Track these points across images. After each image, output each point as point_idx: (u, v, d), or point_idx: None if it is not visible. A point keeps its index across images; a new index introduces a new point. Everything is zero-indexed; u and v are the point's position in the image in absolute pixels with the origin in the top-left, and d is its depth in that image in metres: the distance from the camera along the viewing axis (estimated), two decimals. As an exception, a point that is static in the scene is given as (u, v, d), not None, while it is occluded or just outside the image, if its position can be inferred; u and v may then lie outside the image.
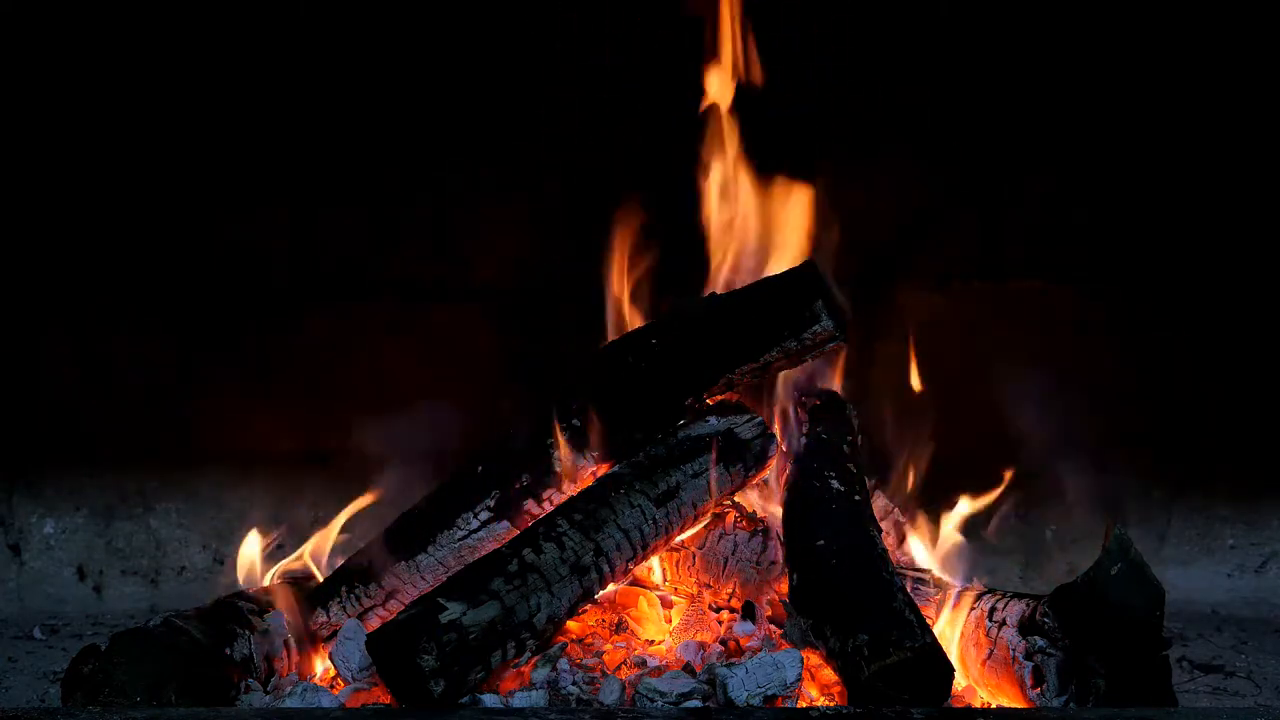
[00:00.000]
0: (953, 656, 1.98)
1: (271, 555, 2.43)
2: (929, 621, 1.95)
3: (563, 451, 2.24)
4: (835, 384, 2.55)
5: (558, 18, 2.97)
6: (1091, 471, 2.99)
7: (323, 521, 3.01)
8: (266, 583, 2.31)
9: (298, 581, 2.32)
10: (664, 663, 2.08)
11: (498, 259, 3.06)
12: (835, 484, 2.22)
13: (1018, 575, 3.10)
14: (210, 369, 3.06)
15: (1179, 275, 3.07)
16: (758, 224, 2.47)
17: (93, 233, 3.03)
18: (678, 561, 2.31)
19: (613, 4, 2.93)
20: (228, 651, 2.01)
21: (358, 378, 3.06)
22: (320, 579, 2.32)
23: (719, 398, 2.30)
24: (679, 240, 2.49)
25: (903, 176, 3.04)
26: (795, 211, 2.44)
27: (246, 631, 2.06)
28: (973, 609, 2.08)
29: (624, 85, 2.96)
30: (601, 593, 2.11)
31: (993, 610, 2.04)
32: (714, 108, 2.54)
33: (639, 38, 2.95)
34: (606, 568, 2.05)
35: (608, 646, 2.12)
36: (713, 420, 2.25)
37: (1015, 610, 1.99)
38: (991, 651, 2.00)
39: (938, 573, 2.31)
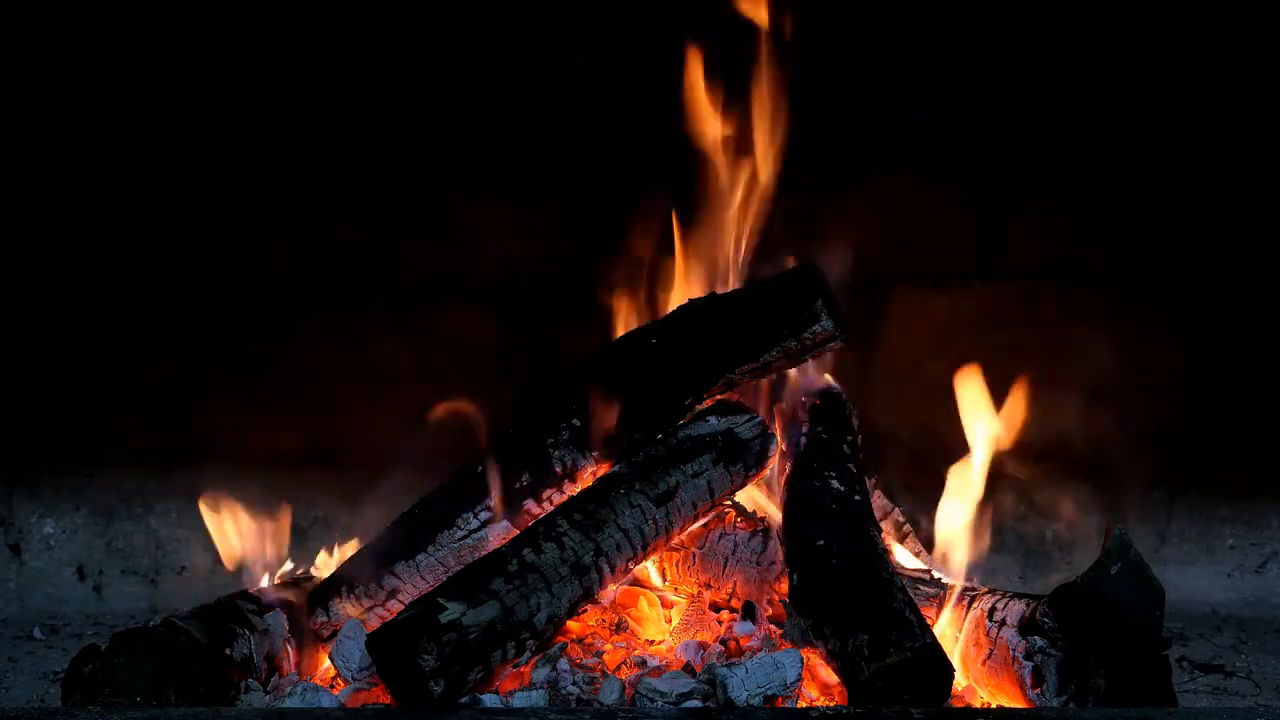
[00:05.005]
0: (953, 656, 1.98)
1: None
2: (929, 621, 1.95)
3: (563, 451, 2.24)
4: (835, 384, 2.55)
5: (558, 18, 2.97)
6: (1091, 471, 3.00)
7: (323, 521, 3.03)
8: (266, 583, 2.31)
9: (298, 581, 2.32)
10: (664, 663, 2.08)
11: (498, 259, 3.05)
12: (835, 484, 2.22)
13: (1018, 575, 3.10)
14: (210, 369, 3.06)
15: (1178, 275, 3.06)
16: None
17: (93, 233, 3.03)
18: (678, 561, 2.31)
19: (614, 5, 2.94)
20: (228, 651, 2.00)
21: (358, 377, 3.06)
22: (321, 579, 2.32)
23: (719, 397, 2.30)
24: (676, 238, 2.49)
25: (901, 176, 3.04)
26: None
27: (246, 631, 2.06)
28: (973, 609, 2.08)
29: (625, 85, 2.96)
30: (601, 592, 2.11)
31: (993, 610, 2.04)
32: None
33: (640, 37, 2.95)
34: (606, 568, 2.05)
35: (608, 646, 2.12)
36: (713, 420, 2.24)
37: (1015, 610, 1.99)
38: (991, 651, 2.00)
39: (937, 573, 2.31)
